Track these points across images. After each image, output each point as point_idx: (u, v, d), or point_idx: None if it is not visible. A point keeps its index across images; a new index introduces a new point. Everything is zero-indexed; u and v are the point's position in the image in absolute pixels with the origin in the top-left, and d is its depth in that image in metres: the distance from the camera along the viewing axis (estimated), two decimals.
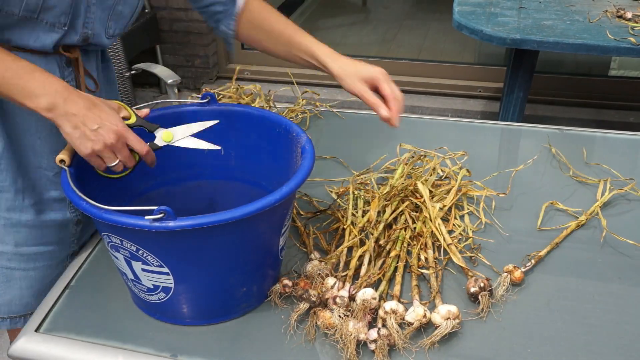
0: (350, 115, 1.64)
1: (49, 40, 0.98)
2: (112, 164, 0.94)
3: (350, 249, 1.09)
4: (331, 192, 1.29)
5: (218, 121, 1.04)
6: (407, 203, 1.18)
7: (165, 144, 1.01)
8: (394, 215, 1.15)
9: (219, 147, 1.05)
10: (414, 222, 1.15)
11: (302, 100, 1.63)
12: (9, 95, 0.90)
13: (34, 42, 0.97)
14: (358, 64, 1.12)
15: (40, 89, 0.89)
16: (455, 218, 1.19)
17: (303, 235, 1.15)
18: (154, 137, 1.00)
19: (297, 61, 1.19)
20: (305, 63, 1.19)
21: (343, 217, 1.17)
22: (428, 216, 1.15)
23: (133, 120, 0.98)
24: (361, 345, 0.92)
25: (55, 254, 1.16)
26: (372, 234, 1.10)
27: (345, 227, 1.14)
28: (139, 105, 1.05)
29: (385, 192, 1.16)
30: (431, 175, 1.29)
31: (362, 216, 1.16)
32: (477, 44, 3.71)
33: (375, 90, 1.10)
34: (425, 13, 4.57)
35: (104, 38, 1.06)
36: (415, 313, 0.94)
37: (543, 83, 3.16)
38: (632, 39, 1.92)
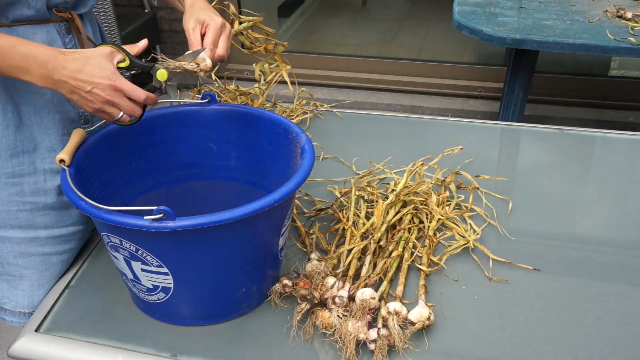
0: (351, 115, 1.64)
1: (40, 3, 0.98)
2: (118, 117, 0.96)
3: (351, 250, 1.09)
4: (333, 191, 1.29)
5: (205, 48, 1.03)
6: (411, 207, 1.18)
7: (163, 81, 1.01)
8: (397, 217, 1.15)
9: (211, 80, 1.06)
10: (420, 222, 1.15)
11: (302, 100, 1.63)
12: (4, 73, 0.92)
13: (28, 10, 0.97)
14: (207, 10, 1.09)
15: (26, 63, 0.91)
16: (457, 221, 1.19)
17: (303, 235, 1.15)
18: (152, 78, 1.00)
19: None
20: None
21: (344, 217, 1.17)
22: (428, 221, 1.15)
23: (127, 63, 0.98)
24: (360, 345, 0.92)
25: (85, 234, 1.16)
26: (374, 235, 1.09)
27: (346, 227, 1.14)
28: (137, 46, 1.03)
29: (389, 201, 1.16)
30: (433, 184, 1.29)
31: (365, 216, 1.16)
32: (477, 44, 3.71)
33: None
34: (425, 13, 4.57)
35: None
36: (420, 314, 0.94)
37: (543, 83, 3.15)
38: (632, 39, 1.91)
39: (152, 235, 0.84)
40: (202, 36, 1.06)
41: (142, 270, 0.91)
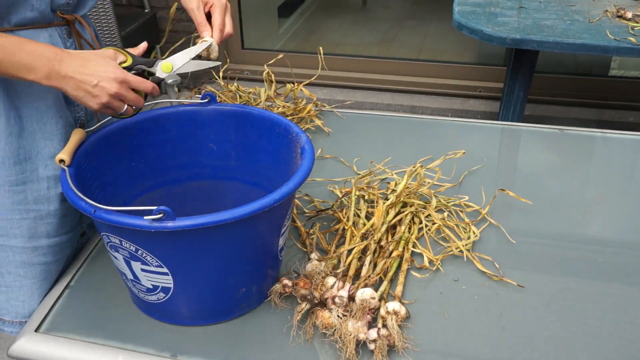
0: (351, 115, 1.63)
1: (43, 5, 0.99)
2: (122, 111, 0.97)
3: (351, 250, 1.09)
4: (334, 191, 1.28)
5: (212, 40, 1.07)
6: (412, 208, 1.18)
7: (167, 74, 1.03)
8: (398, 218, 1.15)
9: (219, 62, 1.09)
10: (420, 222, 1.15)
11: (302, 100, 1.63)
12: (7, 72, 0.92)
13: (31, 12, 0.98)
14: None
15: (32, 60, 0.91)
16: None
17: (303, 235, 1.15)
18: (155, 70, 1.02)
19: None
20: None
21: (344, 217, 1.17)
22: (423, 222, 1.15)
23: (130, 62, 1.00)
24: (360, 345, 0.92)
25: (75, 239, 1.16)
26: (374, 235, 1.09)
27: (346, 227, 1.14)
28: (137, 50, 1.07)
29: (389, 202, 1.16)
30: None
31: (365, 217, 1.16)
32: (477, 44, 3.71)
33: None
34: (425, 13, 4.57)
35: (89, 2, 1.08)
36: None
37: (543, 83, 3.15)
38: (632, 39, 1.91)
39: (152, 235, 0.84)
40: (207, 15, 1.10)
41: (142, 270, 0.91)
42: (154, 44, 3.50)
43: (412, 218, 1.17)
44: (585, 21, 2.10)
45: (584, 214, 1.24)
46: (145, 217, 0.81)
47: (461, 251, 1.11)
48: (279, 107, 1.56)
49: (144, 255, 0.89)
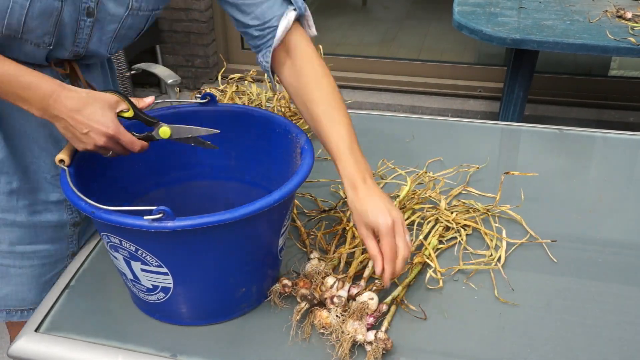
0: (350, 116, 1.63)
1: (39, 55, 0.98)
2: (108, 156, 0.96)
3: (352, 250, 1.09)
4: (336, 191, 1.28)
5: (219, 131, 1.02)
6: (418, 214, 1.18)
7: (162, 139, 1.00)
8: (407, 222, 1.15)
9: (216, 147, 1.04)
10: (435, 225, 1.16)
11: None
12: (3, 98, 0.92)
13: (25, 57, 0.96)
14: (370, 203, 0.93)
15: (28, 93, 0.90)
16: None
17: (303, 235, 1.15)
18: (153, 128, 0.99)
19: (318, 135, 1.03)
20: (323, 142, 1.02)
21: (345, 217, 1.17)
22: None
23: (130, 114, 0.96)
24: (357, 346, 0.92)
25: (52, 253, 1.16)
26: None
27: (347, 228, 1.14)
28: (146, 98, 1.02)
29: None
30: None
31: None
32: (477, 44, 3.71)
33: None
34: (425, 13, 4.57)
35: (104, 53, 1.04)
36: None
37: (543, 83, 3.16)
38: (632, 39, 1.92)
39: (152, 235, 0.84)
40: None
41: (142, 270, 0.91)
42: (154, 44, 3.51)
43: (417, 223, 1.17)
44: (585, 21, 2.10)
45: (584, 214, 1.24)
46: (145, 217, 0.81)
47: (462, 250, 1.11)
48: (280, 110, 1.56)
49: (144, 255, 0.89)
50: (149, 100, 1.00)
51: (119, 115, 0.95)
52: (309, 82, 1.03)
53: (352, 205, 0.95)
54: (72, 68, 1.04)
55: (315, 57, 1.05)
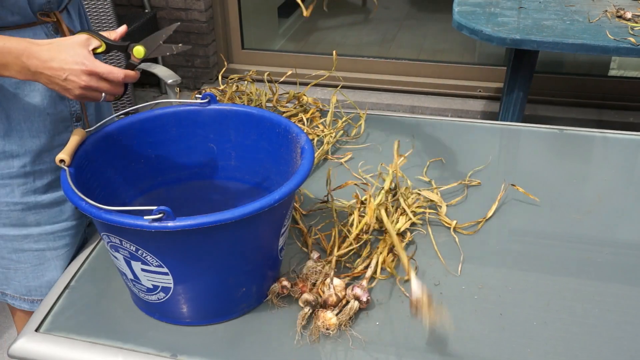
0: (350, 115, 1.63)
1: (22, 9, 0.98)
2: (101, 99, 0.96)
3: (349, 249, 1.09)
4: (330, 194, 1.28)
5: (178, 23, 1.04)
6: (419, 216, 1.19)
7: (141, 59, 1.00)
8: (406, 225, 1.15)
9: (189, 47, 1.05)
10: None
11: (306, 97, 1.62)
12: None
13: (12, 16, 0.97)
14: None
15: (2, 59, 0.91)
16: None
17: (304, 235, 1.15)
18: (129, 56, 1.00)
19: None
20: None
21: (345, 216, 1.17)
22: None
23: (104, 48, 0.97)
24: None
25: (80, 228, 1.18)
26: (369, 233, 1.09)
27: (342, 228, 1.13)
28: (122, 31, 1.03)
29: (378, 200, 1.16)
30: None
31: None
32: (477, 44, 3.71)
33: None
34: (425, 13, 4.57)
35: None
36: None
37: (543, 83, 3.15)
38: (632, 39, 1.91)
39: (152, 235, 0.84)
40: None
41: (142, 270, 0.91)
42: None
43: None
44: (585, 21, 2.10)
45: (584, 214, 1.24)
46: (145, 217, 0.81)
47: (462, 250, 1.11)
48: (280, 109, 1.56)
49: (144, 255, 0.89)
50: (120, 30, 1.01)
51: (94, 52, 0.95)
52: None
53: None
54: (57, 18, 1.06)
55: None
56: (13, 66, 0.91)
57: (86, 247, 1.18)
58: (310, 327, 0.95)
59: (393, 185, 1.22)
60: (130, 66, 0.99)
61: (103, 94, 0.96)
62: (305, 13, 1.03)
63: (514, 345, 0.94)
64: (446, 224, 1.18)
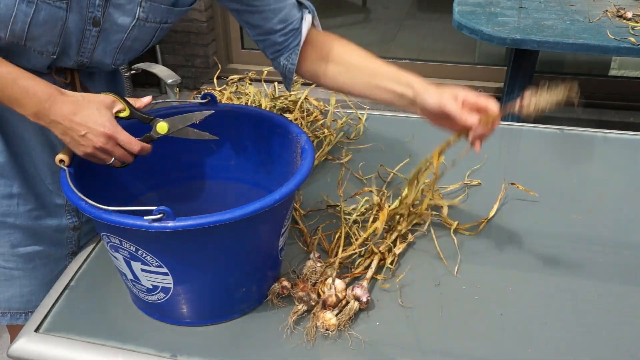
0: (350, 115, 1.64)
1: (42, 63, 0.97)
2: (109, 163, 0.95)
3: (351, 251, 1.09)
4: (326, 197, 1.28)
5: (213, 111, 1.03)
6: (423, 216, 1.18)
7: (162, 135, 1.00)
8: (407, 227, 1.15)
9: (216, 137, 1.05)
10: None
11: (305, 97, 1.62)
12: (0, 101, 0.91)
13: (27, 64, 0.95)
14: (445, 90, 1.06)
15: (24, 97, 0.89)
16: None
17: (305, 235, 1.15)
18: (151, 127, 0.99)
19: (376, 95, 1.12)
20: (387, 96, 1.11)
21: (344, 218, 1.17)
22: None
23: (127, 113, 0.96)
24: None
25: (52, 253, 1.16)
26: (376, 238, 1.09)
27: (350, 230, 1.13)
28: (143, 99, 1.02)
29: (393, 207, 1.16)
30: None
31: (373, 220, 1.15)
32: (477, 44, 3.71)
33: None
34: (425, 13, 4.57)
35: (108, 64, 1.03)
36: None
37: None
38: (632, 39, 1.92)
39: (152, 236, 0.84)
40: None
41: (142, 270, 0.91)
42: (154, 44, 3.51)
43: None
44: (585, 21, 2.10)
45: (584, 214, 1.24)
46: (145, 218, 0.81)
47: (462, 250, 1.11)
48: (280, 110, 1.56)
49: (144, 255, 0.89)
50: (146, 100, 0.99)
51: (116, 116, 0.95)
52: (347, 48, 1.16)
53: (439, 93, 1.07)
54: (72, 77, 1.04)
55: (335, 36, 1.14)
56: (30, 108, 0.89)
57: (86, 247, 1.18)
58: (306, 326, 0.95)
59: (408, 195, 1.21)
60: (147, 138, 0.98)
61: (112, 159, 0.94)
62: None
63: (514, 345, 0.94)
64: (447, 225, 1.18)
